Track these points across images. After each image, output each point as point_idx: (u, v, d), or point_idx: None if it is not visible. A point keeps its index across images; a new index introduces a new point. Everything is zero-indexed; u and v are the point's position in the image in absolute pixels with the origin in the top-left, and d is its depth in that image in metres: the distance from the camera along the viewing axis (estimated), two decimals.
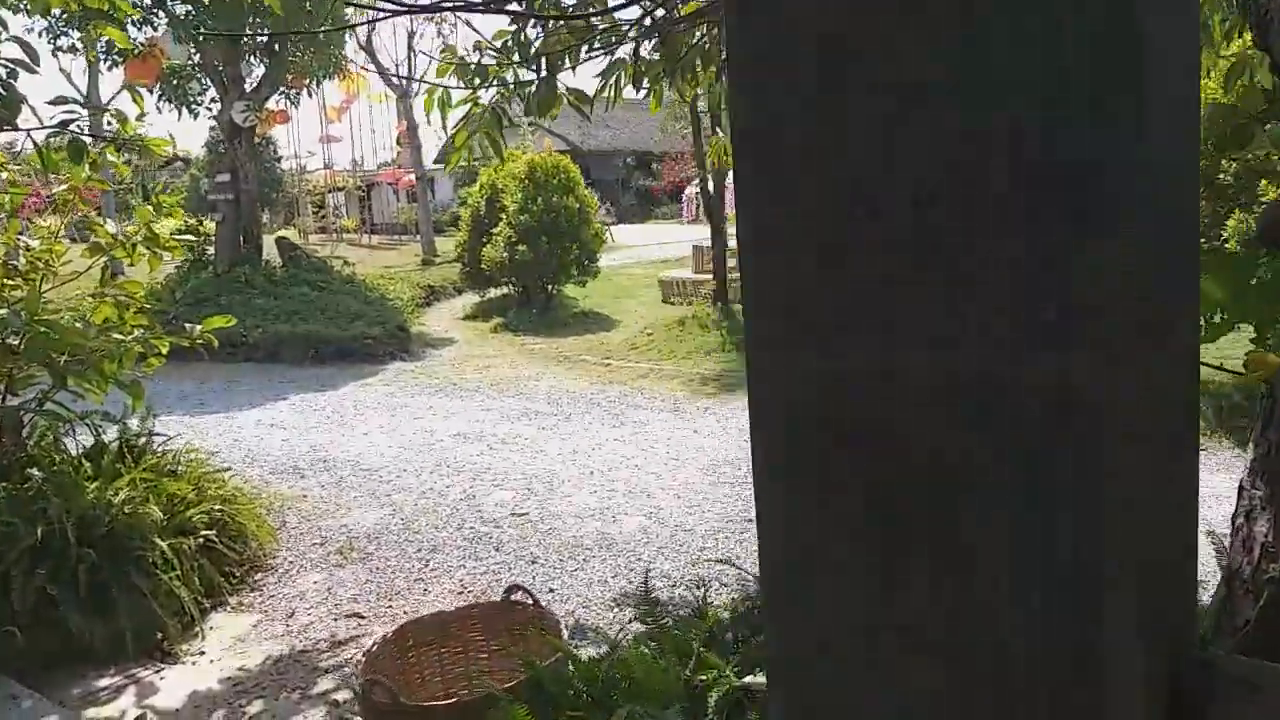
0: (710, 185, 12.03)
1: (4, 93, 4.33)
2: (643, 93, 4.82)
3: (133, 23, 14.11)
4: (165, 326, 5.39)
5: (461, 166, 5.00)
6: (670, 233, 33.16)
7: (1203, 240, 7.16)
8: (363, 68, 27.81)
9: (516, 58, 4.36)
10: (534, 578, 5.20)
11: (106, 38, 14.32)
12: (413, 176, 33.99)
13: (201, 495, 5.41)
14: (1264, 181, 6.60)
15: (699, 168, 12.33)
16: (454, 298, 19.32)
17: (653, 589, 4.92)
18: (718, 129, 11.43)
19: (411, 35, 26.72)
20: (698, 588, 4.32)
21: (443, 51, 4.45)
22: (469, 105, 4.62)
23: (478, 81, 4.51)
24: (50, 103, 4.53)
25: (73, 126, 4.41)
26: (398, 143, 37.47)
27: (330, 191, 37.49)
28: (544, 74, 3.95)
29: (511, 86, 4.47)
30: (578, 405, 9.40)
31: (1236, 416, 7.42)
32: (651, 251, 26.29)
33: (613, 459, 7.47)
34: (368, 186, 40.18)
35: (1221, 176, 6.80)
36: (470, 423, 8.89)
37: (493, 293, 17.18)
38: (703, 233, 30.76)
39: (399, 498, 6.73)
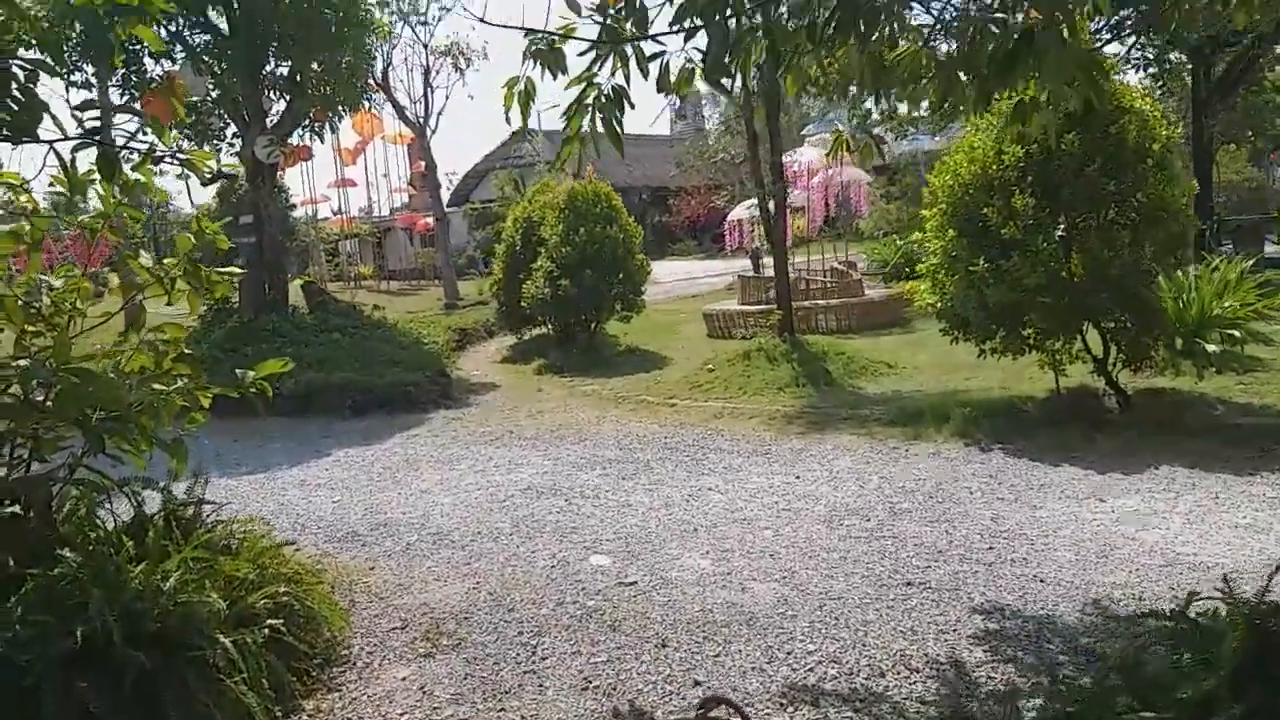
0: (771, 206, 11.22)
1: (21, 98, 3.53)
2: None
3: (150, 55, 13.48)
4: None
5: (563, 170, 4.20)
6: (694, 267, 32.47)
7: None
8: (372, 111, 27.31)
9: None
10: (671, 667, 4.28)
11: (121, 72, 13.72)
12: (430, 219, 33.49)
13: (264, 576, 4.52)
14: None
15: (757, 187, 11.53)
16: (486, 341, 18.53)
17: (824, 681, 4.01)
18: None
19: (428, 72, 26.06)
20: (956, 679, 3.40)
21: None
22: (582, 85, 3.82)
23: (593, 58, 3.73)
24: (77, 108, 3.73)
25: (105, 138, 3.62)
26: (411, 184, 37.00)
27: (344, 238, 36.88)
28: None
29: (632, 58, 3.71)
30: (654, 450, 8.49)
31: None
32: (680, 287, 25.55)
33: (714, 512, 6.56)
34: (382, 232, 39.65)
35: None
36: (539, 474, 7.99)
37: (529, 332, 16.39)
38: (734, 265, 30.26)
39: (480, 566, 5.81)
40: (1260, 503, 5.91)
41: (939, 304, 8.11)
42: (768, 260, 25.02)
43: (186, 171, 4.47)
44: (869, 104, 21.61)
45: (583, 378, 12.84)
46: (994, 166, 7.62)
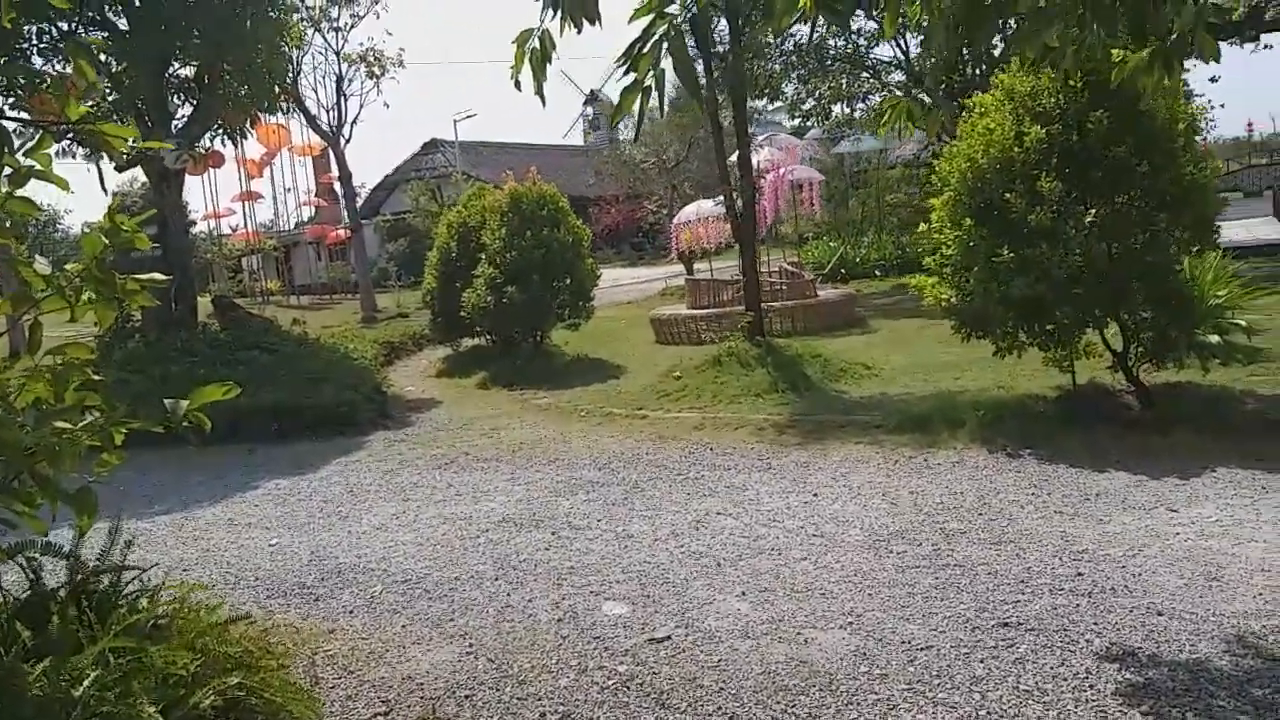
0: (739, 204, 10.38)
1: None
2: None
3: (38, 51, 12.01)
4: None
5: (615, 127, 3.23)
6: (620, 274, 31.52)
7: None
8: (279, 122, 25.68)
9: None
10: None
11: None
12: (341, 231, 31.82)
13: (207, 664, 3.42)
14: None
15: (724, 183, 10.69)
16: (415, 354, 17.27)
17: None
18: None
19: (341, 80, 24.59)
20: None
21: None
22: (650, 15, 2.92)
23: None
24: None
25: None
26: (318, 197, 35.26)
27: (249, 253, 34.88)
28: None
29: None
30: (639, 469, 7.53)
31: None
32: (610, 293, 24.56)
33: (732, 541, 5.64)
34: (288, 246, 37.75)
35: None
36: (512, 503, 6.96)
37: (464, 344, 15.24)
38: (661, 271, 29.46)
39: (469, 623, 4.77)
40: None
41: (955, 300, 7.35)
42: (700, 266, 24.38)
43: (94, 162, 3.34)
44: (808, 105, 21.21)
45: (534, 390, 11.78)
46: (1015, 149, 6.91)
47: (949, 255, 7.33)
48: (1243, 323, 8.30)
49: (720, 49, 10.22)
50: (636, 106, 3.04)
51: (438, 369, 14.82)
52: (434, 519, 6.76)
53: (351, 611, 5.09)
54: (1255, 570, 4.51)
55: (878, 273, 22.66)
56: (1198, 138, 7.38)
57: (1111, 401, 7.74)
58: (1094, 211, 6.72)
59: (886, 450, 7.31)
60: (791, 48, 18.18)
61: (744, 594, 4.82)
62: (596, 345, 14.65)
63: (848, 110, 21.63)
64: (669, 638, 4.38)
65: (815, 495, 6.39)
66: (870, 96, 21.53)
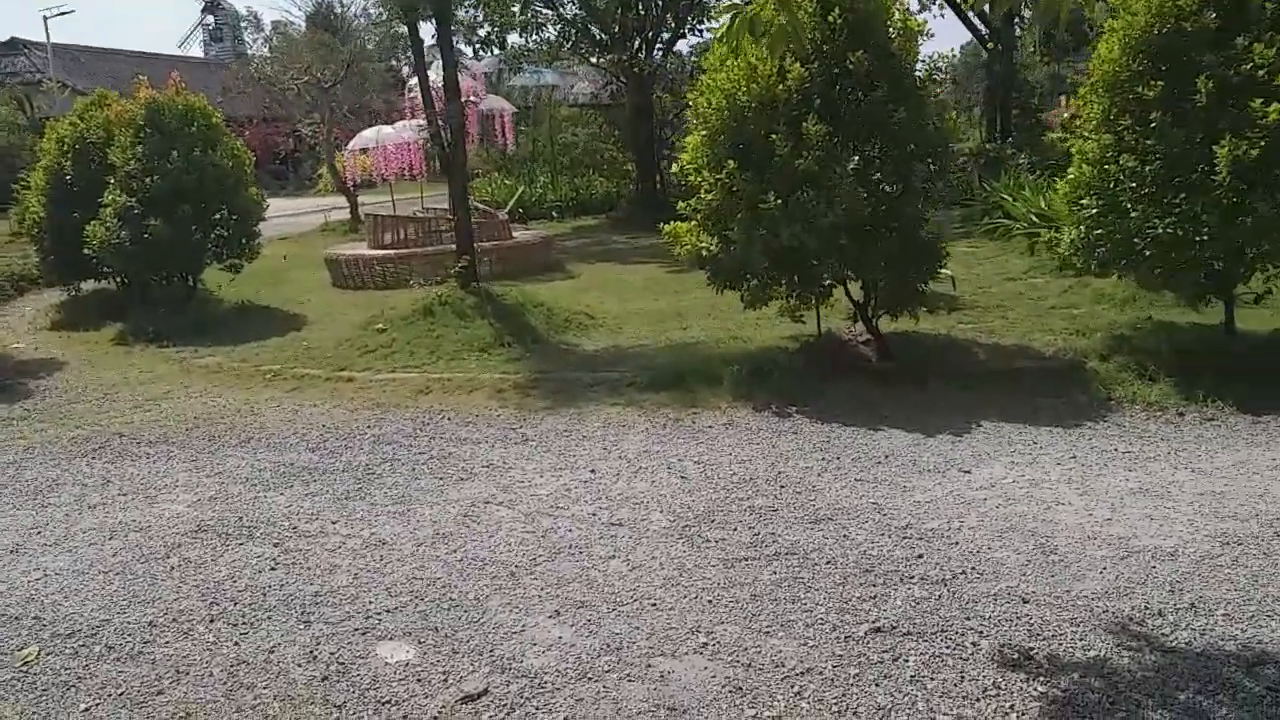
0: (448, 134, 9.02)
1: None
2: None
3: None
4: None
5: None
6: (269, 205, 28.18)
7: (1192, 174, 6.11)
8: None
9: None
10: None
11: None
12: None
13: None
14: (1256, 100, 5.66)
15: (427, 109, 9.26)
16: (16, 299, 13.97)
17: None
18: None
19: None
20: None
21: None
22: None
23: None
24: None
25: None
26: None
27: None
28: None
29: None
30: (366, 448, 6.24)
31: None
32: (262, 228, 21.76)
33: (516, 539, 4.67)
34: None
35: (1196, 98, 5.79)
36: (204, 502, 5.42)
37: (83, 288, 12.45)
38: (321, 203, 26.60)
39: (187, 695, 3.42)
40: (1117, 458, 5.42)
41: (714, 249, 6.77)
42: (364, 200, 22.27)
43: None
44: (483, 31, 19.87)
45: (192, 347, 9.73)
46: (778, 87, 6.41)
47: (708, 199, 6.74)
48: (948, 271, 8.65)
49: None
50: None
51: (52, 320, 12.00)
52: (95, 532, 5.07)
53: None
54: (1085, 540, 4.37)
55: (554, 214, 22.13)
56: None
57: (850, 352, 7.69)
58: (857, 158, 6.42)
59: (649, 412, 6.65)
60: None
61: (558, 613, 3.90)
62: (262, 290, 12.60)
63: (521, 40, 20.60)
64: (486, 691, 3.37)
65: (593, 472, 5.57)
66: (545, 28, 20.64)
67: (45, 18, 33.55)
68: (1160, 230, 6.24)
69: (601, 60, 21.01)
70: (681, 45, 21.23)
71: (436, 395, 7.37)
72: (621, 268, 14.27)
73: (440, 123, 9.13)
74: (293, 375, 8.24)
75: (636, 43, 19.72)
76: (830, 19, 6.56)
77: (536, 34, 20.81)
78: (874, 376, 7.04)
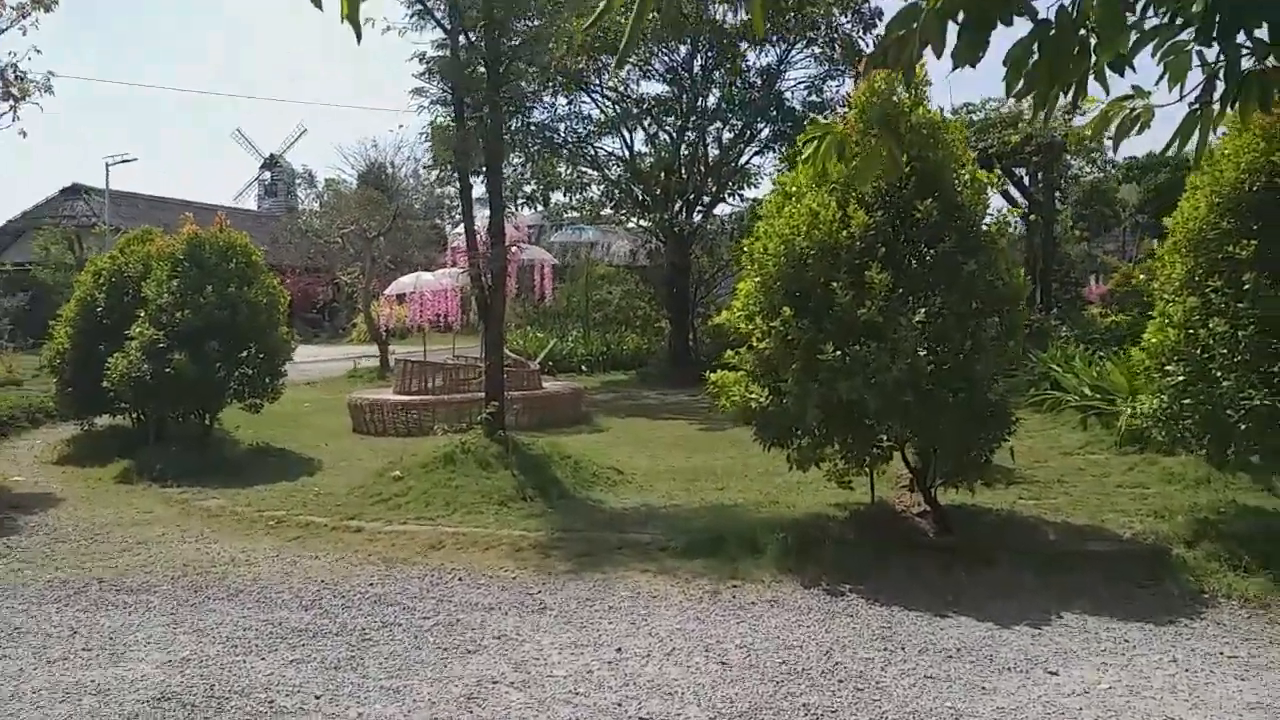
0: (489, 278, 8.73)
1: None
2: None
3: None
4: None
5: None
6: (299, 351, 28.26)
7: None
8: None
9: None
10: None
11: None
12: None
13: None
14: None
15: (470, 252, 8.99)
16: (29, 431, 13.64)
17: None
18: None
19: None
20: None
21: None
22: None
23: None
24: None
25: None
26: None
27: None
28: None
29: None
30: (366, 610, 5.56)
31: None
32: (291, 372, 21.64)
33: None
34: None
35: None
36: (175, 664, 4.74)
37: (103, 422, 12.08)
38: (352, 351, 26.62)
39: None
40: (1223, 664, 4.65)
41: (764, 401, 6.24)
42: (396, 349, 22.14)
43: None
44: (529, 188, 20.22)
45: (200, 487, 9.20)
46: (841, 233, 6.04)
47: (760, 347, 6.26)
48: (1009, 441, 8.02)
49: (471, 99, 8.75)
50: None
51: (60, 454, 11.56)
52: (46, 693, 4.40)
53: None
54: None
55: (584, 368, 21.91)
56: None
57: (904, 524, 6.99)
58: (923, 311, 5.95)
59: (683, 582, 5.95)
60: (520, 125, 17.08)
61: None
62: (279, 432, 12.18)
63: (565, 198, 20.89)
64: None
65: (619, 651, 4.85)
66: (589, 188, 20.99)
67: (107, 164, 34.93)
68: (1257, 401, 5.66)
69: (643, 221, 21.24)
70: (722, 208, 21.44)
71: (449, 551, 6.72)
72: (651, 423, 13.77)
73: (482, 265, 8.86)
74: (297, 523, 7.65)
75: (678, 204, 19.92)
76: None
77: (580, 193, 21.16)
78: (935, 553, 6.33)
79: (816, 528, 6.76)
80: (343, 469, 10.01)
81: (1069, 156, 20.31)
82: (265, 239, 40.38)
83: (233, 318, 10.31)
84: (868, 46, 17.91)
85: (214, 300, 10.17)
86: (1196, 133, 2.98)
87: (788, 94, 19.75)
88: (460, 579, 6.13)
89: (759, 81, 19.51)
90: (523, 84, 8.90)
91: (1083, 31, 2.54)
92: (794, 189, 6.55)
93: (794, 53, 19.46)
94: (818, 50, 19.20)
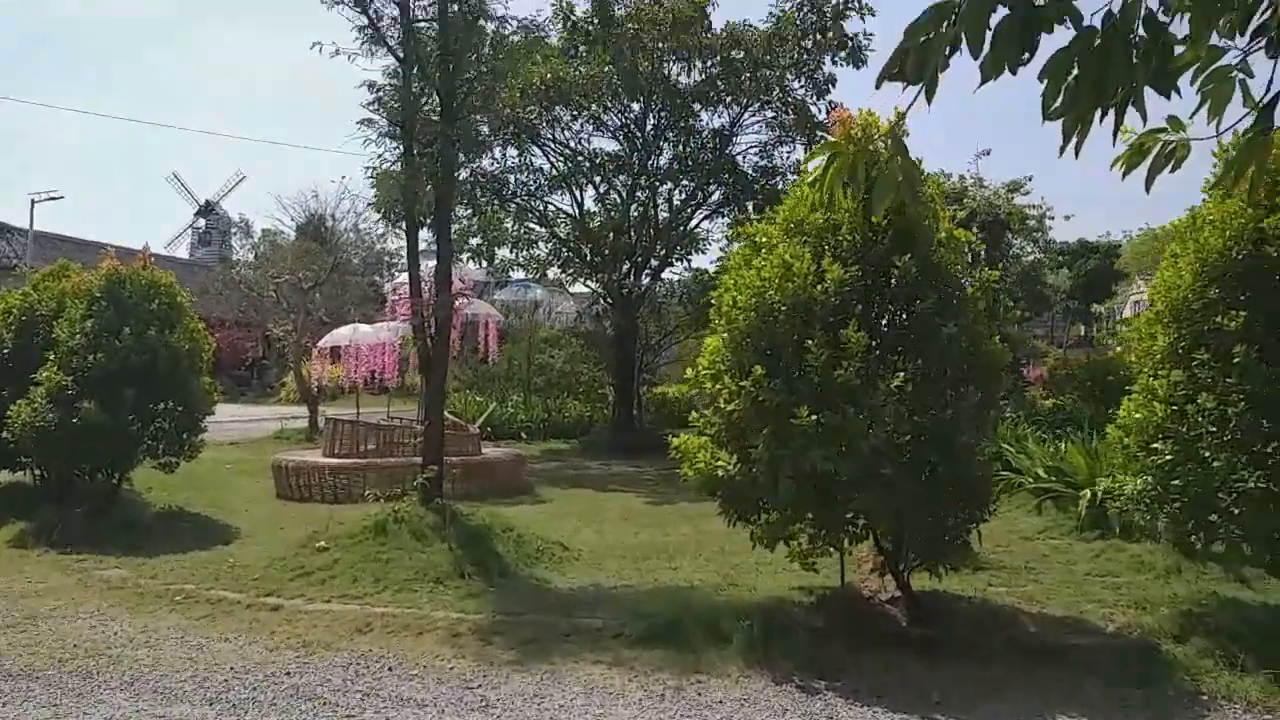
0: (433, 327, 8.16)
1: None
2: None
3: None
4: None
5: None
6: (222, 409, 26.98)
7: None
8: None
9: None
10: None
11: None
12: None
13: None
14: None
15: (413, 296, 8.41)
16: None
17: None
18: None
19: None
20: None
21: None
22: None
23: None
24: None
25: None
26: None
27: None
28: None
29: None
30: (281, 707, 4.85)
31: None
32: (213, 430, 20.53)
33: None
34: None
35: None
36: None
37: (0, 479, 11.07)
38: (276, 411, 25.49)
39: None
40: None
41: (732, 469, 5.75)
42: (326, 410, 21.12)
43: None
44: (474, 241, 19.75)
45: (102, 555, 8.34)
46: (816, 288, 5.65)
47: (728, 409, 5.77)
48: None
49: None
50: None
51: None
52: None
53: None
54: None
55: (523, 435, 21.20)
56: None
57: (875, 612, 6.52)
58: (902, 375, 5.54)
59: (641, 676, 5.35)
60: (469, 176, 16.58)
61: None
62: (195, 495, 11.32)
63: (511, 255, 20.46)
64: None
65: None
66: (536, 245, 20.60)
67: (33, 201, 33.53)
68: (1251, 484, 5.35)
69: (590, 282, 20.87)
70: (669, 273, 21.22)
71: (377, 635, 6.03)
72: (596, 494, 13.18)
73: (426, 314, 8.29)
74: (207, 598, 6.88)
75: (626, 266, 19.59)
76: (875, 220, 5.89)
77: (528, 250, 20.76)
78: (911, 645, 5.85)
79: (783, 614, 6.25)
80: (262, 537, 9.22)
81: (1010, 234, 20.56)
82: (195, 288, 39.11)
83: (152, 363, 9.52)
84: (820, 113, 17.99)
85: (131, 343, 9.39)
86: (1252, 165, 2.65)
87: (739, 157, 19.76)
88: (390, 669, 5.45)
89: (713, 142, 19.48)
90: (477, 119, 8.39)
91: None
92: (764, 239, 6.18)
93: (746, 115, 19.50)
94: (770, 115, 19.27)
